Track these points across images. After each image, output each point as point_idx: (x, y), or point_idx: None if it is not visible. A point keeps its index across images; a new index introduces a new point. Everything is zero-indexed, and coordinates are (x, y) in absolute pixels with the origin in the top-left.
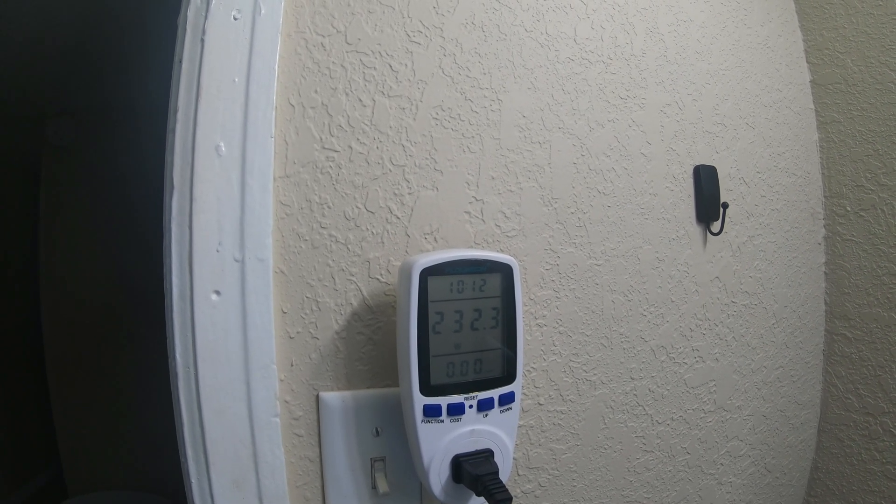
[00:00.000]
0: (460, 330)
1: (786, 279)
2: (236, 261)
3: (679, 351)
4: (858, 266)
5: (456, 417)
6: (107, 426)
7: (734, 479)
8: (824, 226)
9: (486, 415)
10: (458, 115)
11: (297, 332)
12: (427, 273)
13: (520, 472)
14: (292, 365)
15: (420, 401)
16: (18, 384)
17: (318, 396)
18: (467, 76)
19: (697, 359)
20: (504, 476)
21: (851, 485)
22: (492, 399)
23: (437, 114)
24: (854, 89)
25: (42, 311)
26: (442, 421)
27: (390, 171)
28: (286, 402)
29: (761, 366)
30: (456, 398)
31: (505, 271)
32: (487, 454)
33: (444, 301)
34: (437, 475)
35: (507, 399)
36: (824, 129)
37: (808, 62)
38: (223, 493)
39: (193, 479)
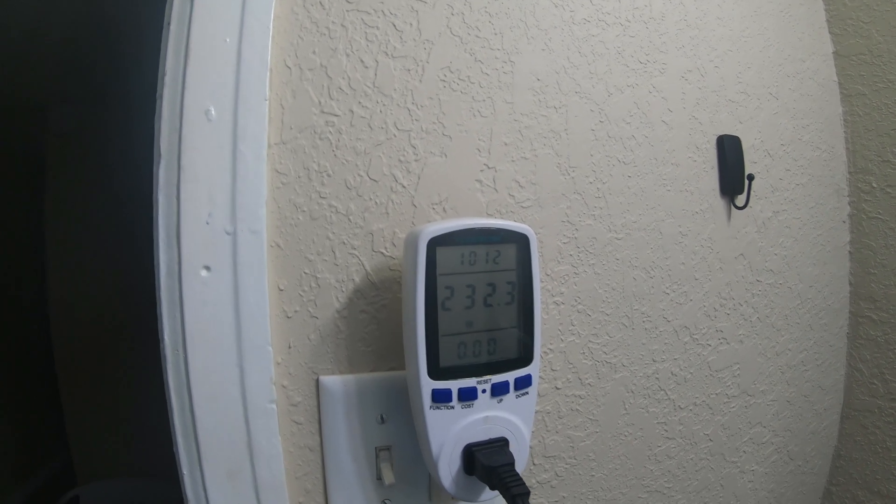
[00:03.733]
0: (472, 306)
1: (811, 258)
2: (227, 234)
3: (703, 332)
4: (885, 245)
5: (468, 403)
6: (116, 414)
7: (757, 466)
8: (849, 203)
9: (501, 400)
10: (468, 77)
11: (295, 311)
12: (435, 243)
13: (535, 461)
14: (290, 347)
15: (428, 385)
16: (27, 373)
17: (317, 381)
18: (477, 36)
19: (721, 340)
20: (520, 466)
21: (875, 473)
22: (507, 383)
23: (445, 76)
24: (879, 60)
25: (49, 300)
26: (452, 407)
27: (395, 136)
28: (283, 386)
29: (786, 348)
30: (468, 382)
31: (521, 242)
32: (502, 443)
33: (455, 274)
34: (447, 466)
35: (523, 382)
36: (849, 101)
37: (830, 32)
38: (216, 484)
39: (185, 470)
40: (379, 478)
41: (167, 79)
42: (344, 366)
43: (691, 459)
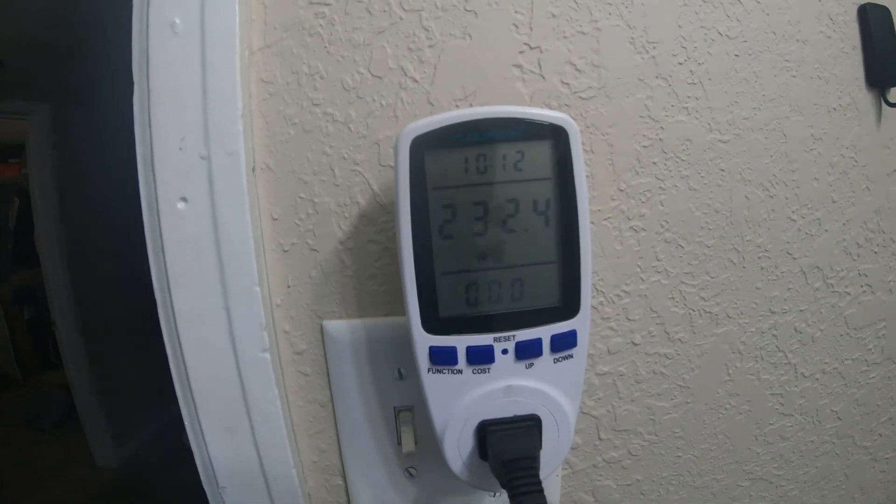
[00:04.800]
0: (484, 232)
1: None
2: (202, 158)
3: (840, 275)
4: None
5: (481, 367)
6: None
7: (893, 453)
8: None
9: (531, 364)
10: None
11: (292, 244)
12: (423, 145)
13: (602, 436)
14: (289, 286)
15: (424, 341)
16: (147, 320)
17: (321, 326)
18: None
19: (864, 288)
20: (559, 456)
21: None
22: (538, 342)
23: None
24: None
25: None
26: (459, 371)
27: (402, 19)
28: (286, 332)
29: None
30: (480, 339)
31: (557, 137)
32: (530, 423)
33: (456, 188)
34: (456, 447)
35: (564, 341)
36: None
37: None
38: (215, 439)
39: (187, 422)
40: (400, 442)
41: None
42: (352, 309)
43: (812, 442)
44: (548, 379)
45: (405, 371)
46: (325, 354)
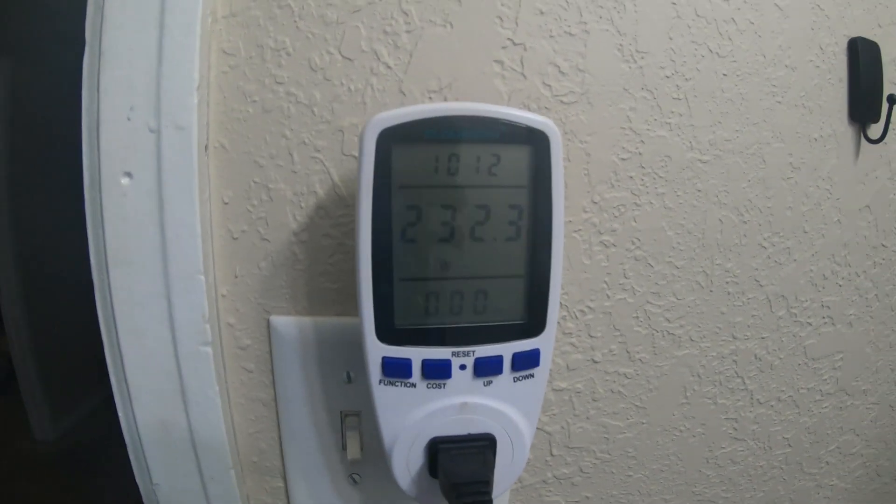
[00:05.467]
0: (451, 239)
1: None
2: (151, 131)
3: (804, 305)
4: None
5: (436, 382)
6: None
7: (837, 481)
8: None
9: (489, 382)
10: None
11: (242, 231)
12: (391, 137)
13: (554, 452)
14: (236, 276)
15: (377, 350)
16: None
17: (268, 322)
18: None
19: (826, 319)
20: (512, 477)
21: None
22: (499, 359)
23: None
24: None
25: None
26: (413, 385)
27: None
28: (230, 325)
29: None
30: (437, 352)
31: (537, 143)
32: (484, 443)
33: (424, 188)
34: (405, 463)
35: (526, 360)
36: None
37: None
38: (150, 432)
39: (120, 412)
40: (344, 448)
41: None
42: (302, 305)
43: (761, 467)
44: (506, 398)
45: (354, 374)
46: (271, 351)
